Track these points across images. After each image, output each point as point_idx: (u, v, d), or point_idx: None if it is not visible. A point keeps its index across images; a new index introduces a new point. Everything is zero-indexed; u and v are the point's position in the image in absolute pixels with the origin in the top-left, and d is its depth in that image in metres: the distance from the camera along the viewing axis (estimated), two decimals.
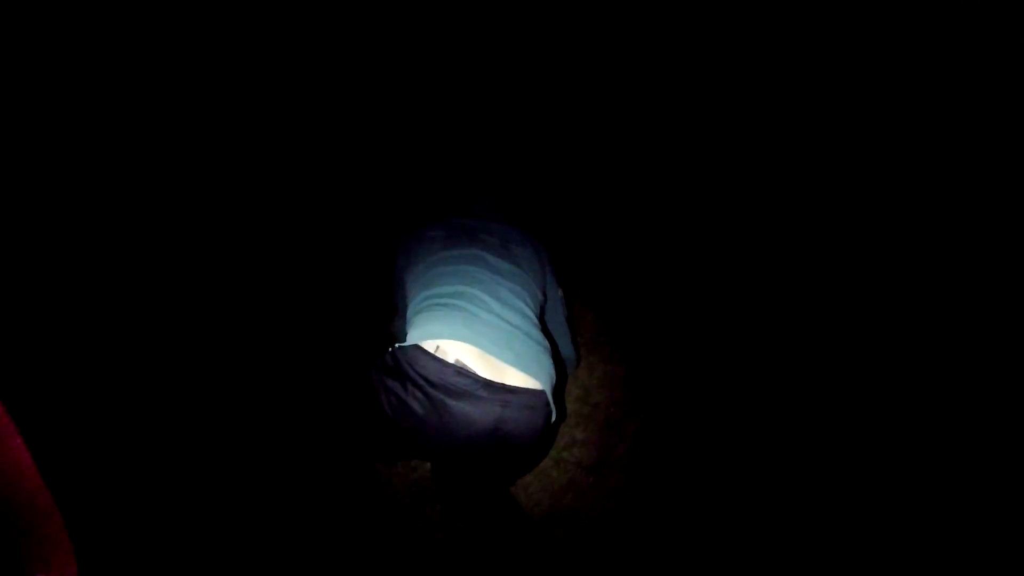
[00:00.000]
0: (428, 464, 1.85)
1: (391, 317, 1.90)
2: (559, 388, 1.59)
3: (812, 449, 1.80)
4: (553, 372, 1.51)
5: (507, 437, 1.43)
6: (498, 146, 2.54)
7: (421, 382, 1.37)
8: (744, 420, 1.90)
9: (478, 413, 1.38)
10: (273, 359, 1.98)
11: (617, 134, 2.58)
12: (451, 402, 1.37)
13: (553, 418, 1.50)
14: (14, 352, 1.86)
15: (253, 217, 2.32)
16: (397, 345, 1.44)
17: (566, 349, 1.84)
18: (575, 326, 1.94)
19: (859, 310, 2.13)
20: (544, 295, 1.69)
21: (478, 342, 1.42)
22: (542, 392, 1.46)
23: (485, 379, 1.38)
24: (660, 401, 2.00)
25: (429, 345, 1.41)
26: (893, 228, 2.27)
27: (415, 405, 1.39)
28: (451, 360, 1.39)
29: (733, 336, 2.13)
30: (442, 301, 1.49)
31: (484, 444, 1.43)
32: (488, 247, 1.64)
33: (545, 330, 1.65)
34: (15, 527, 0.72)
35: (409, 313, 1.54)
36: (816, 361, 2.02)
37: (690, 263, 2.35)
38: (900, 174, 2.33)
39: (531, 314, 1.56)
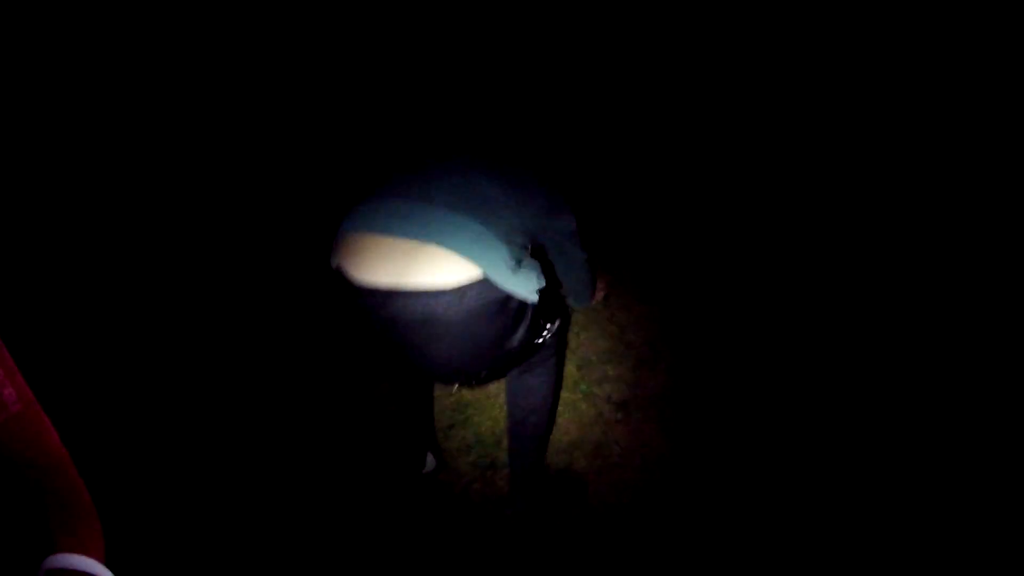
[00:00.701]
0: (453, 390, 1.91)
1: None
2: (521, 272, 1.21)
3: (841, 399, 1.81)
4: (504, 251, 1.18)
5: (431, 327, 1.17)
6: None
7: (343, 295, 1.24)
8: (777, 367, 1.90)
9: (401, 314, 1.17)
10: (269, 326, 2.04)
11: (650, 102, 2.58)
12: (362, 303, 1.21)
13: (512, 293, 1.19)
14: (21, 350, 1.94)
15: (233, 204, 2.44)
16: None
17: (575, 278, 1.65)
18: (594, 264, 1.70)
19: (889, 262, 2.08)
20: (533, 218, 1.34)
21: (384, 226, 1.17)
22: (454, 288, 1.13)
23: (367, 287, 1.16)
24: (694, 343, 2.00)
25: (334, 255, 1.24)
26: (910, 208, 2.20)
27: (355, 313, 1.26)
28: (339, 263, 1.20)
29: (769, 282, 2.10)
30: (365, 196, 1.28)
31: (416, 339, 1.20)
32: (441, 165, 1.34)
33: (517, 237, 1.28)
34: (44, 499, 0.72)
35: None
36: (849, 314, 2.00)
37: (728, 210, 2.31)
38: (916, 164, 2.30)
39: (481, 209, 1.21)
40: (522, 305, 1.23)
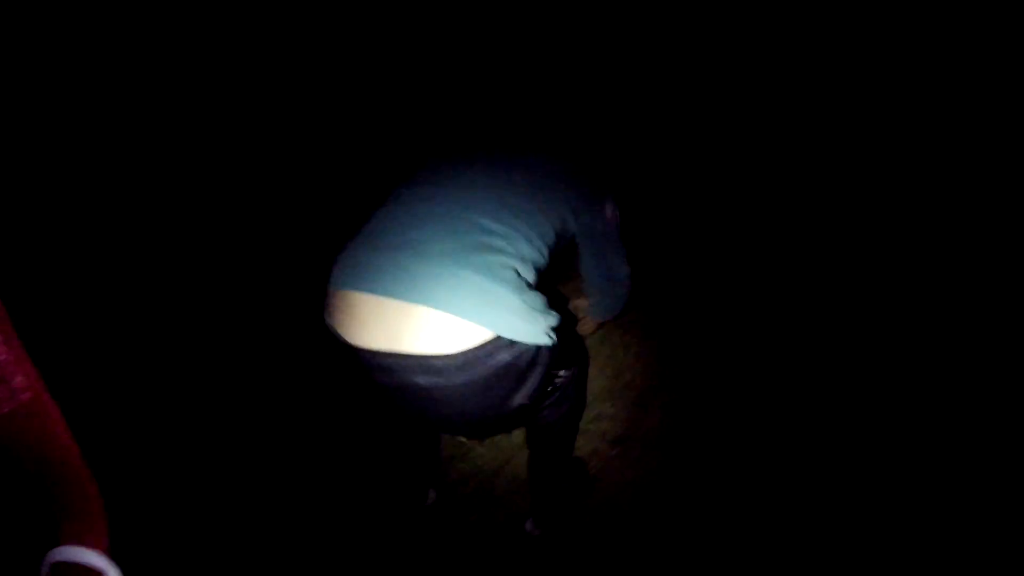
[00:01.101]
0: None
1: None
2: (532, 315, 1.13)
3: (837, 438, 1.82)
4: (509, 295, 1.09)
5: (434, 391, 1.13)
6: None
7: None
8: (776, 407, 1.93)
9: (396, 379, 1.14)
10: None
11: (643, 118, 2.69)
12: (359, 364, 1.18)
13: (522, 341, 1.11)
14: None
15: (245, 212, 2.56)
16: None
17: (603, 279, 1.63)
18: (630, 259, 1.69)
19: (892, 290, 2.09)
20: (563, 217, 1.30)
21: (375, 286, 1.10)
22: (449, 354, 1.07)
23: (362, 349, 1.12)
24: (691, 382, 2.06)
25: (326, 312, 1.20)
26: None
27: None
28: (332, 323, 1.17)
29: (767, 321, 2.15)
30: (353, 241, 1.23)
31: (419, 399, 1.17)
32: (448, 162, 1.29)
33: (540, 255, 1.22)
34: (50, 491, 0.71)
35: None
36: (848, 350, 2.01)
37: (727, 246, 2.38)
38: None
39: (483, 253, 1.10)
40: (534, 356, 1.15)
